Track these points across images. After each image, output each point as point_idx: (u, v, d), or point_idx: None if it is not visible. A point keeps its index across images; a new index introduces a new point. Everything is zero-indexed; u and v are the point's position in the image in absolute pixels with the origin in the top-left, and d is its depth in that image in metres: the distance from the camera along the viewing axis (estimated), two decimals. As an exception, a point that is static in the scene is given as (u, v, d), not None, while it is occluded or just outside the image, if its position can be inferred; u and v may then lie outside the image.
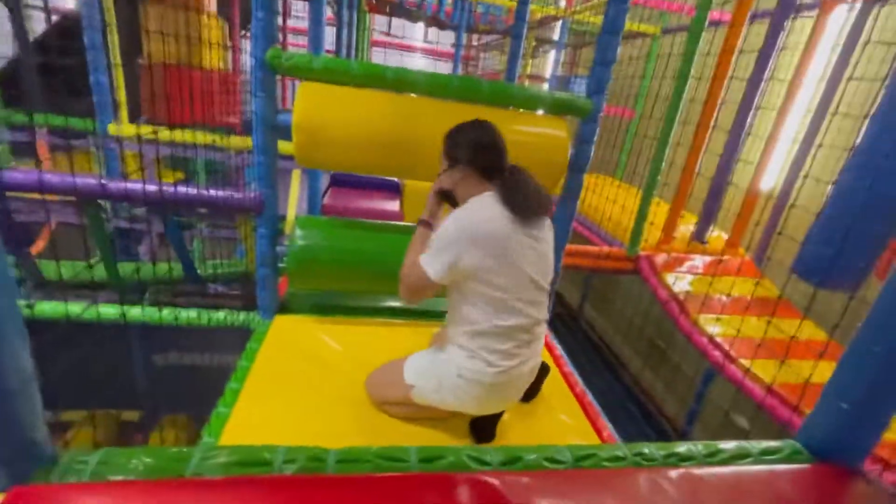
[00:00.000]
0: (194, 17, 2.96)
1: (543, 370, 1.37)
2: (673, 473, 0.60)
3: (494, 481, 0.56)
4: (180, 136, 2.39)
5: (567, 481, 0.58)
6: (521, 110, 1.65)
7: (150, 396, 3.26)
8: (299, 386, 1.39)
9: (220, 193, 1.50)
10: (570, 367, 1.75)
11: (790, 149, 3.09)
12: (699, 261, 3.23)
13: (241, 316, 1.77)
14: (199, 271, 2.13)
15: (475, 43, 8.68)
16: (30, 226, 2.29)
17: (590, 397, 1.56)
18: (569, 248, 3.21)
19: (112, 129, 2.48)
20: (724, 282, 2.99)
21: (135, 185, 1.35)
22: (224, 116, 3.46)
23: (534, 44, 6.43)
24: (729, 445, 0.69)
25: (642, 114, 5.12)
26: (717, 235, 3.49)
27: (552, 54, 7.33)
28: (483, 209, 1.12)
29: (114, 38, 3.03)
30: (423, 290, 1.14)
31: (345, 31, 3.95)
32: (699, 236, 3.35)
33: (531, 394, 1.39)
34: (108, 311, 1.58)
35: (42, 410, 0.51)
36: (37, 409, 0.50)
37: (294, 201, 2.66)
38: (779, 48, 2.93)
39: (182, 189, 1.43)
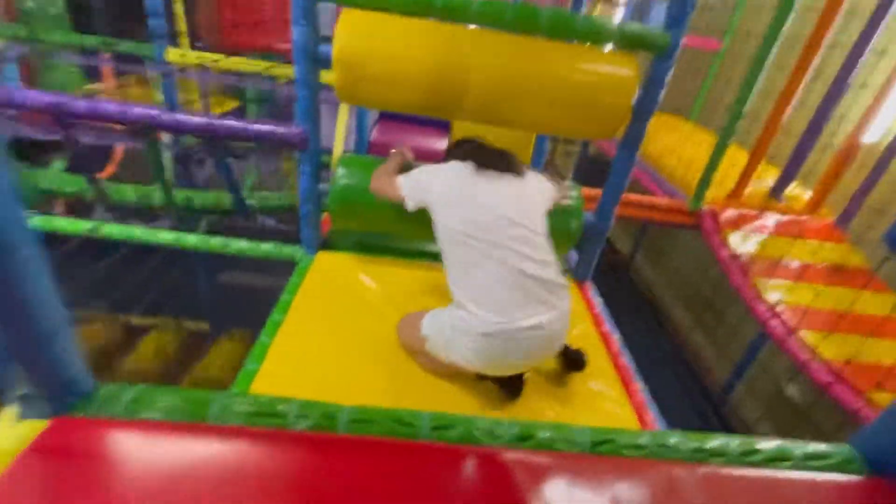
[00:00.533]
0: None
1: (577, 361, 1.31)
2: (698, 471, 0.56)
3: (503, 458, 0.55)
4: (230, 63, 2.38)
5: (579, 466, 0.56)
6: (586, 44, 1.46)
7: (216, 311, 3.59)
8: (337, 323, 1.44)
9: (263, 127, 1.49)
10: (608, 327, 1.69)
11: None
12: (772, 220, 2.92)
13: (287, 249, 1.83)
14: (248, 202, 2.20)
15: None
16: (99, 150, 2.44)
17: (627, 359, 1.52)
18: (625, 197, 3.01)
19: (168, 54, 2.50)
20: (798, 245, 2.72)
21: (180, 117, 1.37)
22: (280, 43, 3.39)
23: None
24: (769, 445, 0.63)
25: (729, 49, 4.47)
26: (799, 194, 3.12)
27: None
28: (452, 165, 1.29)
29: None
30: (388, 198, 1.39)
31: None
32: (777, 193, 3.00)
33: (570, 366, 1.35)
34: (166, 236, 1.68)
35: (77, 348, 0.54)
36: (72, 346, 0.53)
37: (341, 135, 2.63)
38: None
39: (225, 121, 1.43)
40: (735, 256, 2.69)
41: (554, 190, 1.42)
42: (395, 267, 1.77)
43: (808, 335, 2.21)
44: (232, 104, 3.29)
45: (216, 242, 1.80)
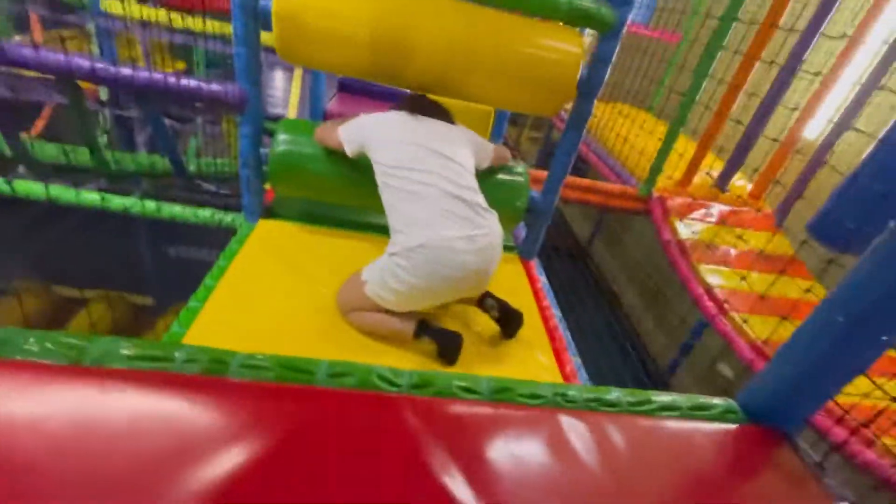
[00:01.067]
0: None
1: (516, 318, 1.38)
2: (590, 419, 0.59)
3: (399, 402, 0.55)
4: (176, 19, 2.23)
5: (474, 413, 0.57)
6: (536, 19, 1.46)
7: (160, 285, 3.43)
8: (271, 290, 1.40)
9: (199, 85, 1.41)
10: (549, 302, 1.73)
11: (846, 95, 2.75)
12: (715, 209, 3.07)
13: (228, 216, 1.76)
14: (191, 168, 2.10)
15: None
16: (25, 105, 2.25)
17: (563, 333, 1.56)
18: (577, 181, 3.08)
19: (105, 4, 2.32)
20: (735, 233, 2.87)
21: (105, 67, 1.27)
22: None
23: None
24: (662, 398, 0.67)
25: (693, 42, 4.59)
26: (742, 185, 3.28)
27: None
28: (389, 112, 1.41)
29: None
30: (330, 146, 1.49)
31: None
32: (722, 183, 3.14)
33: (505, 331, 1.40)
34: (91, 196, 1.58)
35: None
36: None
37: (295, 102, 2.53)
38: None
39: (157, 76, 1.34)
40: (678, 242, 2.81)
41: (488, 145, 1.52)
42: (339, 238, 1.74)
43: (736, 316, 2.35)
44: (178, 66, 3.10)
45: (149, 206, 1.71)
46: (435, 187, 1.21)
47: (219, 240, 1.77)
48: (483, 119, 2.89)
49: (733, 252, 2.77)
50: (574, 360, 1.41)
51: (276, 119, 2.70)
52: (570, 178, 3.08)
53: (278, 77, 3.57)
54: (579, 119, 1.59)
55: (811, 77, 2.56)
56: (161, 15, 2.34)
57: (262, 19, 1.36)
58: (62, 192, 1.52)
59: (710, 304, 2.45)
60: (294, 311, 1.33)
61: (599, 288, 5.43)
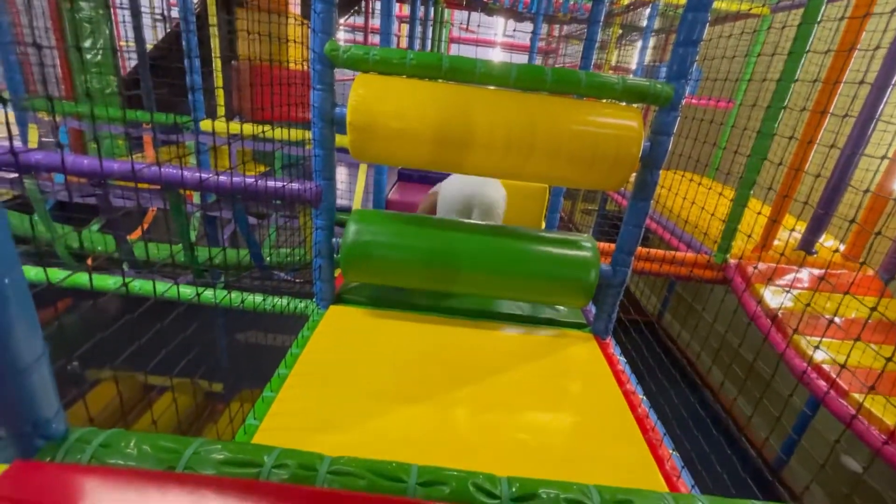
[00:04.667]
0: (280, 19, 3.14)
1: None
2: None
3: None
4: (255, 130, 2.54)
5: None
6: (592, 99, 1.50)
7: (232, 370, 3.57)
8: (344, 378, 1.39)
9: (280, 184, 1.55)
10: (633, 385, 1.58)
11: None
12: (805, 273, 2.79)
13: (300, 303, 1.83)
14: (268, 258, 2.25)
15: (556, 34, 8.33)
16: (132, 214, 2.60)
17: (655, 421, 1.40)
18: (644, 251, 2.96)
19: (204, 124, 2.72)
20: (837, 300, 2.56)
21: (200, 174, 1.44)
22: (304, 112, 3.65)
23: (619, 32, 6.00)
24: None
25: (742, 103, 4.55)
26: (831, 246, 2.99)
27: (640, 43, 6.80)
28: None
29: (215, 42, 3.34)
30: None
31: (418, 27, 3.97)
32: (806, 245, 2.89)
33: None
34: (185, 290, 1.71)
35: (54, 388, 0.52)
36: (49, 386, 0.51)
37: (360, 194, 2.72)
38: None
39: (244, 178, 1.50)
40: (769, 312, 2.55)
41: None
42: (409, 321, 1.74)
43: (857, 397, 2.01)
44: (260, 169, 3.49)
45: (234, 298, 1.82)
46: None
47: (283, 325, 1.82)
48: (539, 195, 2.93)
49: (838, 321, 2.45)
50: (674, 456, 1.23)
51: (342, 210, 2.90)
52: (642, 250, 2.98)
53: (342, 172, 3.90)
54: (645, 189, 1.56)
55: (886, 125, 2.40)
56: (247, 128, 2.68)
57: (337, 125, 1.51)
58: (161, 288, 1.66)
59: (820, 382, 2.13)
60: (367, 397, 1.30)
61: (676, 364, 4.96)
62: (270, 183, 1.54)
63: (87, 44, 3.00)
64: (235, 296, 1.79)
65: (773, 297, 2.62)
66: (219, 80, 3.50)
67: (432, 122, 1.41)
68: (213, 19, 3.26)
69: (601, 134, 1.41)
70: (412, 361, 1.53)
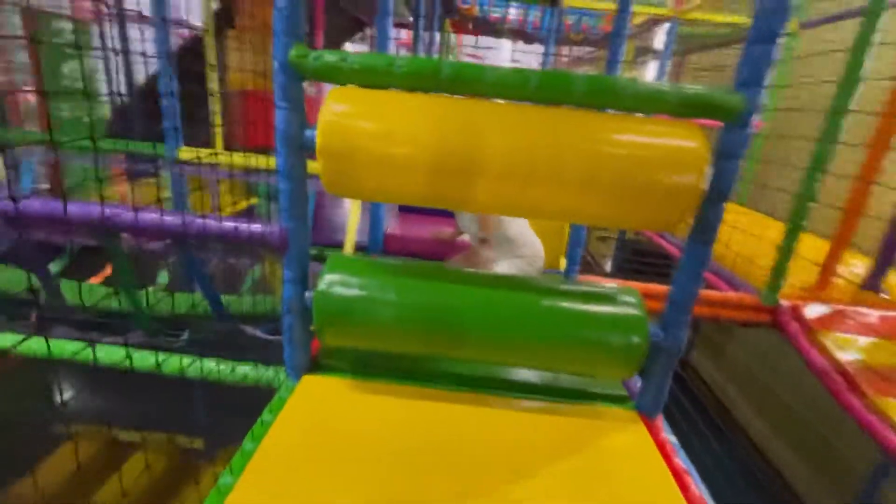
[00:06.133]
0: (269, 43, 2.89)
1: None
2: None
3: None
4: (235, 159, 2.25)
5: None
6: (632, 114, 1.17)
7: (213, 425, 3.18)
8: (316, 477, 1.03)
9: (236, 226, 1.22)
10: (697, 488, 1.18)
11: None
12: (874, 316, 2.37)
13: (267, 371, 1.47)
14: (245, 307, 1.91)
15: (566, 57, 8.16)
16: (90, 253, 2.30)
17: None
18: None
19: (181, 153, 2.44)
20: (917, 350, 2.14)
21: (125, 214, 1.11)
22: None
23: (632, 55, 5.77)
24: None
25: (772, 123, 4.22)
26: (899, 283, 2.58)
27: (651, 65, 6.57)
28: None
29: (211, 69, 3.11)
30: None
31: (421, 51, 3.74)
32: (873, 283, 2.48)
33: None
34: (116, 354, 1.36)
35: None
36: None
37: (353, 229, 2.39)
38: None
39: (189, 219, 1.17)
40: (836, 365, 2.13)
41: None
42: (402, 396, 1.37)
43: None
44: (249, 202, 3.21)
45: (184, 363, 1.47)
46: None
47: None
48: (558, 225, 2.58)
49: (925, 378, 2.02)
50: None
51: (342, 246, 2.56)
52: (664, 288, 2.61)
53: (346, 201, 3.58)
54: (707, 228, 1.20)
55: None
56: (224, 157, 2.39)
57: (308, 150, 1.18)
58: (78, 350, 1.32)
59: (920, 461, 1.69)
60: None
61: (704, 407, 4.45)
62: (223, 224, 1.21)
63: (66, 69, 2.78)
64: (188, 361, 1.44)
65: (841, 347, 2.20)
66: (217, 107, 3.26)
67: (429, 145, 1.08)
68: (209, 41, 3.03)
69: (652, 158, 1.07)
70: (404, 451, 1.16)
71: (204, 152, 2.41)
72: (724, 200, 1.16)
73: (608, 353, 1.25)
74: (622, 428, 1.34)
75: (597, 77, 1.08)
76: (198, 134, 2.80)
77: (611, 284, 1.36)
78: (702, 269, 1.25)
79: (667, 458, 1.27)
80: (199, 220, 1.19)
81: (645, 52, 5.92)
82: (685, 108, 1.09)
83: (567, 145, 1.08)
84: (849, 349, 2.18)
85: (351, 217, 2.35)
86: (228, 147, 3.02)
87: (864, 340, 2.22)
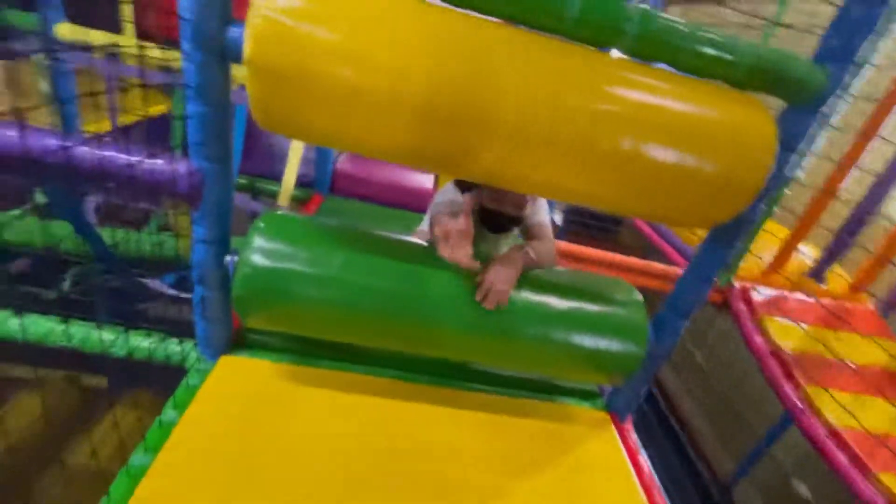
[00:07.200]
0: None
1: None
2: None
3: None
4: (146, 50, 1.71)
5: None
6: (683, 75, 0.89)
7: (119, 362, 2.80)
8: (234, 478, 0.79)
9: (129, 162, 0.83)
10: (659, 494, 1.10)
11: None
12: (811, 303, 2.45)
13: (175, 346, 1.14)
14: (147, 248, 1.50)
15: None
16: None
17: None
18: (627, 261, 2.49)
19: (62, 30, 1.80)
20: (846, 340, 2.25)
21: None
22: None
23: None
24: None
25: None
26: (839, 275, 2.68)
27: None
28: None
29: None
30: None
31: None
32: (817, 273, 2.54)
33: None
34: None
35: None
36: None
37: (296, 161, 1.98)
38: None
39: (67, 146, 0.77)
40: (776, 349, 2.19)
41: None
42: (342, 386, 1.12)
43: (887, 478, 1.69)
44: (163, 107, 2.58)
45: (51, 328, 1.10)
46: None
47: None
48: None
49: (852, 366, 2.12)
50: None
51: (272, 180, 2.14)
52: (616, 257, 2.50)
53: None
54: (736, 229, 1.00)
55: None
56: (131, 44, 1.82)
57: (235, 57, 0.80)
58: None
59: (841, 457, 1.79)
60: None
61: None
62: (120, 157, 0.82)
63: None
64: (59, 326, 1.07)
65: (782, 333, 2.26)
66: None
67: (417, 76, 0.74)
68: None
69: (718, 137, 0.81)
70: (342, 457, 0.95)
71: (97, 34, 1.81)
72: (775, 194, 0.95)
73: (601, 361, 1.07)
74: (593, 435, 1.20)
75: (658, 17, 0.78)
76: (99, 13, 2.07)
77: (607, 278, 1.16)
78: (714, 273, 1.07)
79: (637, 466, 1.17)
80: (59, 143, 0.78)
81: None
82: (754, 76, 0.83)
83: (608, 103, 0.79)
84: (789, 334, 2.24)
85: (292, 153, 1.92)
86: (147, 36, 2.30)
87: (801, 326, 2.28)
